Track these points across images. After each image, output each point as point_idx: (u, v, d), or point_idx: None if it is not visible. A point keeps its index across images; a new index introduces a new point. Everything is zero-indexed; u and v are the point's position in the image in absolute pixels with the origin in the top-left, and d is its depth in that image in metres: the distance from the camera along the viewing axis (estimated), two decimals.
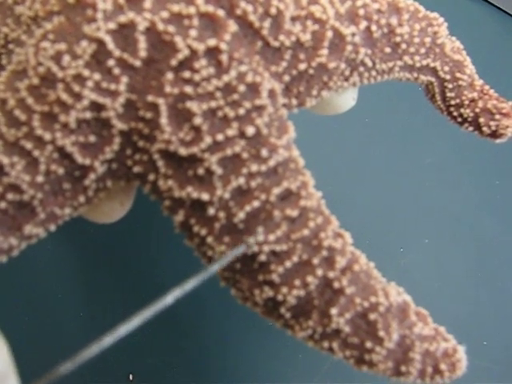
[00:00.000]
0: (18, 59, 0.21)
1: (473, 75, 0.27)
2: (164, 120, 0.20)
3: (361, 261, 0.22)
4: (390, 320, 0.21)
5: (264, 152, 0.20)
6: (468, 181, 0.47)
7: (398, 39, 0.25)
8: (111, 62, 0.20)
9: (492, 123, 0.27)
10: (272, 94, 0.21)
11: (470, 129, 0.28)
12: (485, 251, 0.44)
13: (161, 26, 0.20)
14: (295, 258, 0.21)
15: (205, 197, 0.20)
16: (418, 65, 0.26)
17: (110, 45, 0.20)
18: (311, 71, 0.23)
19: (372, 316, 0.21)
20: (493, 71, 0.51)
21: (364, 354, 0.21)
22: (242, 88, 0.20)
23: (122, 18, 0.20)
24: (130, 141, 0.20)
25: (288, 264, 0.20)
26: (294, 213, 0.21)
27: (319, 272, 0.21)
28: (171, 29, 0.20)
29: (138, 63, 0.20)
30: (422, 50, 0.26)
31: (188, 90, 0.20)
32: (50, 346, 0.36)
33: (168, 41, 0.20)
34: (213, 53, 0.20)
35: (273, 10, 0.22)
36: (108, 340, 0.17)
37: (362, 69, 0.25)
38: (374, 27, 0.24)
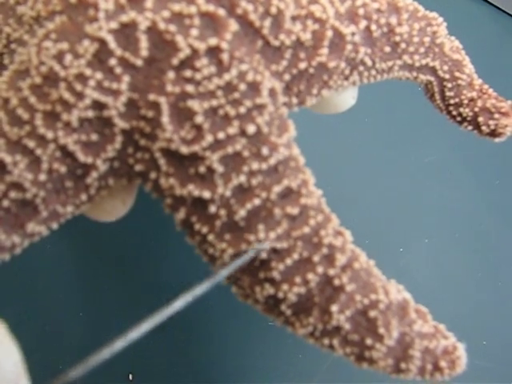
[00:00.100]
0: (21, 59, 0.21)
1: (472, 74, 0.27)
2: (165, 119, 0.20)
3: (361, 258, 0.22)
4: (390, 317, 0.21)
5: (265, 150, 0.20)
6: (468, 180, 0.47)
7: (397, 38, 0.25)
8: (113, 61, 0.20)
9: (491, 122, 0.27)
10: (272, 92, 0.21)
11: (469, 128, 0.28)
12: (484, 251, 0.44)
13: (162, 26, 0.20)
14: (296, 256, 0.21)
15: (206, 195, 0.20)
16: (417, 64, 0.26)
17: (112, 44, 0.20)
18: (311, 70, 0.23)
19: (372, 313, 0.21)
20: (493, 71, 0.52)
21: (364, 351, 0.21)
22: (242, 87, 0.20)
23: (124, 18, 0.20)
24: (131, 139, 0.21)
25: (288, 261, 0.21)
26: (294, 211, 0.21)
27: (320, 269, 0.21)
28: (172, 28, 0.20)
29: (139, 62, 0.20)
30: (422, 50, 0.26)
31: (189, 88, 0.20)
32: (50, 345, 0.36)
33: (169, 40, 0.20)
34: (214, 52, 0.20)
35: (273, 10, 0.22)
36: (119, 344, 0.17)
37: (361, 68, 0.25)
38: (373, 26, 0.24)
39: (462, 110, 0.27)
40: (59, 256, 0.39)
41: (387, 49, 0.25)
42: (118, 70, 0.20)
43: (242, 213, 0.20)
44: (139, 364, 0.36)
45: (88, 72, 0.20)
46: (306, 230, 0.21)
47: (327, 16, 0.23)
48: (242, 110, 0.20)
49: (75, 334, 0.37)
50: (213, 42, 0.20)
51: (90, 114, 0.20)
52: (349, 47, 0.24)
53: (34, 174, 0.20)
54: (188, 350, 0.37)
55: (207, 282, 0.20)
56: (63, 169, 0.20)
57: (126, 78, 0.20)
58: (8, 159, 0.20)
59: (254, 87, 0.21)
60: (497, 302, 0.42)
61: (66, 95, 0.20)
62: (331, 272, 0.21)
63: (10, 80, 0.21)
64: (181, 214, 0.21)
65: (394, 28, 0.25)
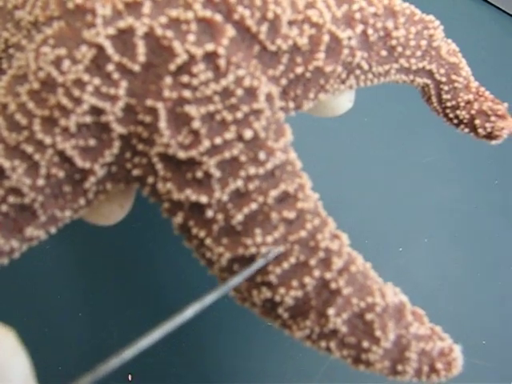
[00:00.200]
0: (19, 64, 0.21)
1: (468, 77, 0.27)
2: (163, 124, 0.20)
3: (357, 262, 0.22)
4: (386, 320, 0.21)
5: (261, 155, 0.21)
6: (467, 180, 0.47)
7: (394, 42, 0.25)
8: (111, 67, 0.20)
9: (487, 125, 0.27)
10: (269, 97, 0.21)
11: (466, 130, 0.28)
12: (483, 250, 0.44)
13: (159, 31, 0.20)
14: (292, 260, 0.21)
15: (203, 199, 0.20)
16: (414, 67, 0.26)
17: (110, 50, 0.20)
18: (308, 75, 0.23)
19: (369, 316, 0.21)
20: (492, 71, 0.52)
21: (361, 354, 0.21)
22: (239, 92, 0.20)
23: (121, 24, 0.20)
24: (129, 144, 0.21)
25: (285, 265, 0.21)
26: (291, 215, 0.21)
27: (316, 273, 0.21)
28: (169, 34, 0.20)
29: (137, 68, 0.20)
30: (418, 53, 0.26)
31: (186, 94, 0.20)
32: (50, 346, 0.36)
33: (166, 46, 0.20)
34: (211, 57, 0.20)
35: (270, 15, 0.22)
36: (129, 353, 0.17)
37: (358, 72, 0.25)
38: (370, 31, 0.24)
39: (458, 112, 0.28)
40: (58, 259, 0.40)
41: (384, 53, 0.25)
42: (116, 76, 0.20)
43: (239, 217, 0.20)
44: (139, 364, 0.36)
45: (86, 77, 0.20)
46: (303, 233, 0.21)
47: (324, 20, 0.23)
48: (239, 115, 0.20)
49: (74, 336, 0.37)
50: (210, 47, 0.20)
51: (88, 119, 0.20)
52: (345, 51, 0.24)
53: (33, 179, 0.20)
54: (187, 350, 0.37)
55: (218, 290, 0.20)
56: (61, 174, 0.20)
57: (124, 84, 0.20)
58: (6, 164, 0.20)
59: (251, 92, 0.21)
60: (496, 301, 0.42)
61: (64, 101, 0.20)
62: (328, 275, 0.21)
63: (8, 85, 0.21)
64: (178, 219, 0.21)
65: (391, 32, 0.25)
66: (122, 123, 0.20)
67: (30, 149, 0.20)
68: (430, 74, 0.27)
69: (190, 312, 0.19)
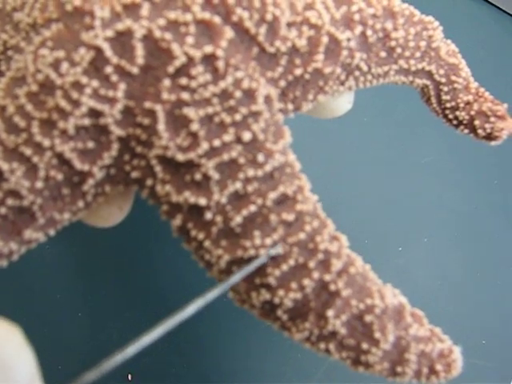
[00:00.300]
0: (17, 66, 0.21)
1: (468, 78, 0.27)
2: (161, 126, 0.20)
3: (357, 263, 0.22)
4: (385, 322, 0.21)
5: (260, 157, 0.21)
6: (466, 180, 0.47)
7: (393, 43, 0.25)
8: (109, 69, 0.20)
9: (487, 126, 0.27)
10: (268, 99, 0.21)
11: (466, 131, 0.28)
12: (483, 250, 0.44)
13: (158, 34, 0.20)
14: (292, 262, 0.21)
15: (202, 201, 0.20)
16: (413, 68, 0.26)
17: (108, 52, 0.20)
18: (307, 76, 0.23)
19: (368, 318, 0.21)
20: (492, 71, 0.52)
21: (360, 356, 0.21)
22: (238, 94, 0.20)
23: (120, 26, 0.20)
24: (127, 147, 0.21)
25: (284, 267, 0.21)
26: (290, 217, 0.21)
27: (315, 275, 0.21)
28: (168, 36, 0.20)
29: (135, 70, 0.20)
30: (417, 54, 0.26)
31: (185, 96, 0.20)
32: (49, 346, 0.36)
33: (165, 48, 0.20)
34: (209, 59, 0.20)
35: (269, 16, 0.22)
36: (131, 350, 0.17)
37: (357, 73, 0.25)
38: (369, 32, 0.24)
39: (458, 113, 0.28)
40: (58, 260, 0.40)
41: (383, 54, 0.25)
42: (114, 78, 0.20)
43: (237, 219, 0.20)
44: (138, 364, 0.37)
45: (84, 80, 0.20)
46: (302, 236, 0.21)
47: (323, 22, 0.23)
48: (238, 117, 0.20)
49: (74, 336, 0.37)
50: (208, 49, 0.20)
51: (87, 121, 0.20)
52: (344, 53, 0.24)
53: (31, 182, 0.20)
54: (187, 350, 0.38)
55: (219, 287, 0.20)
56: (60, 176, 0.20)
57: (122, 86, 0.20)
58: (5, 167, 0.20)
59: (250, 94, 0.21)
60: (496, 301, 0.42)
61: (63, 103, 0.20)
62: (327, 277, 0.21)
63: (7, 87, 0.21)
64: (177, 221, 0.21)
65: (390, 33, 0.25)
66: (121, 125, 0.20)
67: (28, 151, 0.20)
68: (429, 74, 0.27)
69: (192, 308, 0.19)
